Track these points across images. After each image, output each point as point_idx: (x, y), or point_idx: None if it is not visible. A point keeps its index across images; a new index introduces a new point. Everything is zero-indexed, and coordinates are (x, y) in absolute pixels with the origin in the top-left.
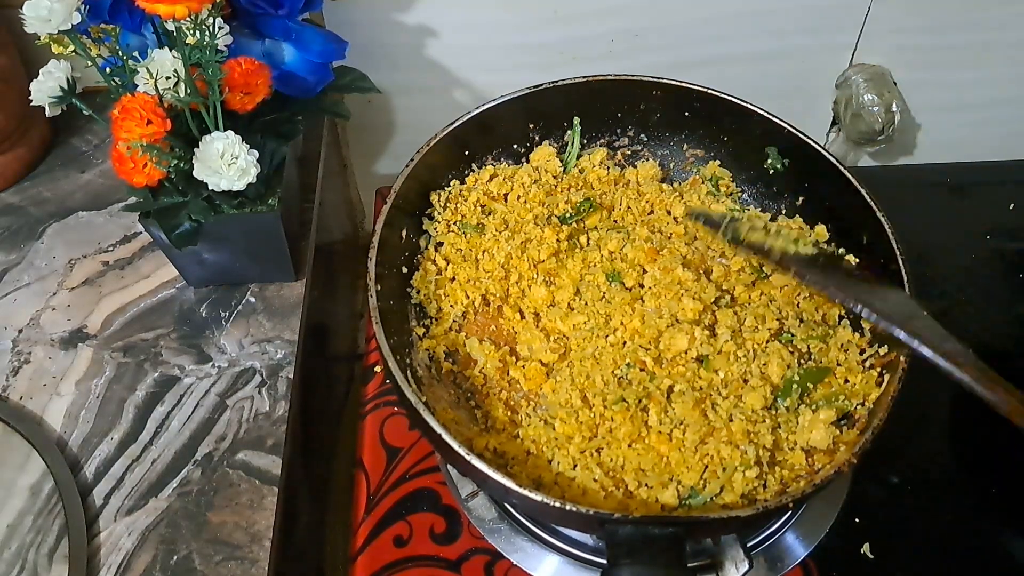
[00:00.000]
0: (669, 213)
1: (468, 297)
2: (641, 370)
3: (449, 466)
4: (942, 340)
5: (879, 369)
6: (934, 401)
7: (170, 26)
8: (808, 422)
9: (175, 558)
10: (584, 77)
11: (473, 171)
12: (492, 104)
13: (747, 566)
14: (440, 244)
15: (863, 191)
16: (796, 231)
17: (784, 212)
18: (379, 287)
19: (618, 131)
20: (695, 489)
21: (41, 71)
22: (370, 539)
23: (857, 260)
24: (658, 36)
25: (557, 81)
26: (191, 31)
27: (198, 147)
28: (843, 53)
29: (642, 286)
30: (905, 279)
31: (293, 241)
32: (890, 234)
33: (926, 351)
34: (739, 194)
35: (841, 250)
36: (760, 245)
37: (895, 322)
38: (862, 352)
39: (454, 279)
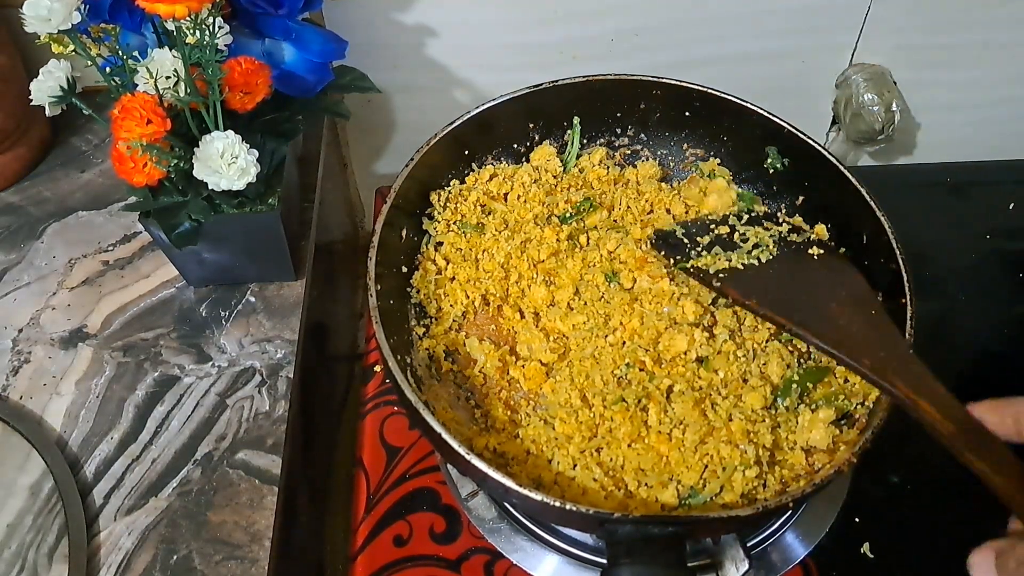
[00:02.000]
0: (669, 212)
1: (468, 297)
2: (640, 370)
3: (449, 466)
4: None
5: None
6: None
7: (170, 26)
8: (808, 422)
9: (175, 558)
10: (584, 77)
11: (473, 171)
12: (492, 104)
13: (747, 566)
14: (440, 244)
15: (863, 191)
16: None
17: (784, 211)
18: (379, 287)
19: (618, 131)
20: (695, 489)
21: (41, 71)
22: (370, 538)
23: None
24: (658, 36)
25: (557, 81)
26: (191, 31)
27: (198, 147)
28: (843, 53)
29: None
30: (905, 279)
31: (293, 241)
32: (890, 234)
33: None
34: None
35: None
36: (705, 270)
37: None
38: None
39: (454, 279)
